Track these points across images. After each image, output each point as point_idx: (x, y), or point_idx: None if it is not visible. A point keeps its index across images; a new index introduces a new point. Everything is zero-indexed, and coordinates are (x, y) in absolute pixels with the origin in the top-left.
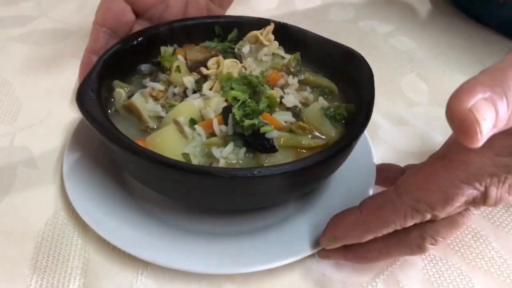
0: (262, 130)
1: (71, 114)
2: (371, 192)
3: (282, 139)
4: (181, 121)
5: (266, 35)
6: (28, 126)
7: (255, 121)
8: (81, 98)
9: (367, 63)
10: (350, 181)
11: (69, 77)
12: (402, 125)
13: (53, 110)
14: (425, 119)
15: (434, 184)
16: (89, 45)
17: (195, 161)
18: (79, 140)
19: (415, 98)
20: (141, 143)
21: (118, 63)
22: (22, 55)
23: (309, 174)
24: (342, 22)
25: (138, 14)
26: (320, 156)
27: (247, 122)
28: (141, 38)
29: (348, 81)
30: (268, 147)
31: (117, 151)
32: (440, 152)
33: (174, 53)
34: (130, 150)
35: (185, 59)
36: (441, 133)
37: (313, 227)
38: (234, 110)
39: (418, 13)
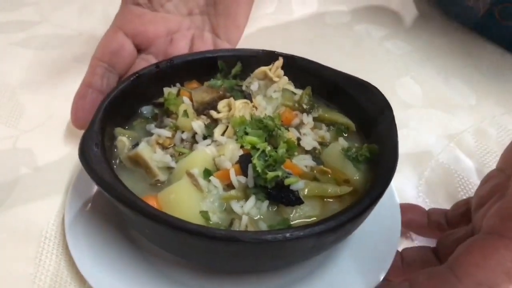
0: (287, 182)
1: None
2: (397, 240)
3: (307, 189)
4: (195, 172)
5: (275, 70)
6: (31, 128)
7: (279, 173)
8: (86, 155)
9: (382, 95)
10: (375, 228)
11: (70, 81)
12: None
13: (55, 113)
14: (419, 121)
15: (496, 265)
16: (85, 78)
17: (214, 218)
18: (80, 189)
19: (410, 100)
20: (152, 200)
21: (118, 108)
22: (24, 60)
23: (342, 230)
24: (337, 26)
25: (141, 49)
26: (354, 211)
27: (270, 174)
28: (140, 78)
29: (364, 115)
30: (293, 199)
31: (131, 215)
32: (495, 228)
33: (178, 94)
34: (146, 215)
35: (191, 100)
36: (434, 135)
37: (343, 278)
38: (255, 161)
39: (412, 17)
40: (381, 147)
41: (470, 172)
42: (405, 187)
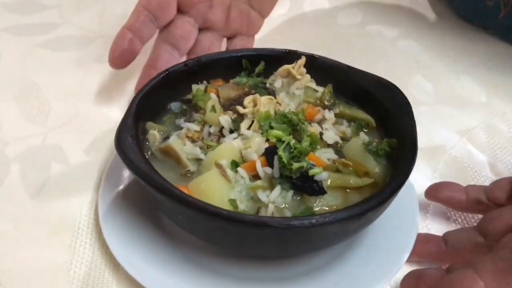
0: (311, 172)
1: (97, 114)
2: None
3: (329, 180)
4: (224, 164)
5: (298, 68)
6: (58, 125)
7: (303, 164)
8: (122, 145)
9: (401, 93)
10: (394, 219)
11: (92, 81)
12: None
13: (80, 110)
14: (431, 117)
15: None
16: (129, 21)
17: (241, 206)
18: (113, 178)
19: (422, 97)
20: (184, 189)
21: (149, 104)
22: (47, 60)
23: (364, 218)
24: (349, 26)
25: (183, 11)
26: (376, 200)
27: (295, 165)
28: (170, 75)
29: (384, 112)
30: (317, 189)
31: (165, 203)
32: None
33: (205, 90)
34: (182, 202)
35: (218, 96)
36: (446, 131)
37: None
38: (280, 152)
39: (424, 17)
40: (400, 141)
41: (483, 166)
42: (419, 180)
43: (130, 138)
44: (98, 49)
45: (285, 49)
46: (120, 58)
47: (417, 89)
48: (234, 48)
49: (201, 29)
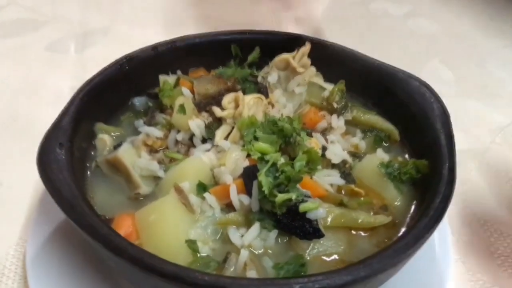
0: (303, 208)
1: (41, 116)
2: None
3: (330, 218)
4: (185, 187)
5: (300, 59)
6: None
7: (292, 195)
8: (44, 161)
9: (437, 95)
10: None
11: (38, 74)
12: None
13: (19, 112)
14: (453, 113)
15: None
16: None
17: (205, 250)
18: (48, 206)
19: (440, 88)
20: (128, 220)
21: (101, 99)
22: None
23: (373, 281)
24: (351, 5)
25: None
26: (393, 256)
27: (280, 197)
28: (132, 62)
29: (411, 121)
30: (310, 231)
31: (93, 244)
32: None
33: (177, 84)
34: (110, 248)
35: (192, 92)
36: (473, 129)
37: None
38: (261, 176)
39: None
40: (432, 164)
41: None
42: None
43: (58, 149)
44: (50, 35)
45: (286, 33)
46: None
47: (433, 77)
48: None
49: None
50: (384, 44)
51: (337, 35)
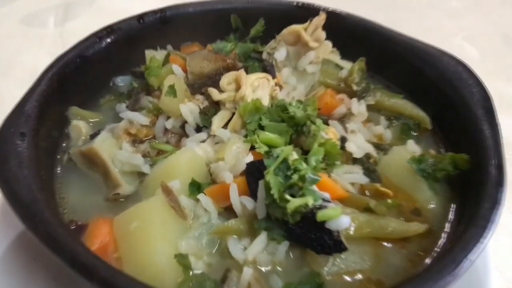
0: (321, 216)
1: (12, 99)
2: None
3: (353, 226)
4: (175, 187)
5: (313, 31)
6: None
7: (308, 199)
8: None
9: (477, 76)
10: None
11: (13, 50)
12: None
13: None
14: None
15: None
16: None
17: (198, 266)
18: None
19: None
20: (105, 226)
21: (75, 78)
22: None
23: None
24: None
25: None
26: (435, 279)
27: (293, 202)
28: (115, 34)
29: (446, 107)
30: (331, 245)
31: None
32: None
33: (166, 61)
34: (78, 270)
35: (185, 71)
36: (504, 117)
37: None
38: (269, 176)
39: None
40: (474, 159)
41: None
42: None
43: (19, 139)
44: (26, 7)
45: (296, 1)
46: None
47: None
48: None
49: None
50: (401, 18)
51: (350, 6)
